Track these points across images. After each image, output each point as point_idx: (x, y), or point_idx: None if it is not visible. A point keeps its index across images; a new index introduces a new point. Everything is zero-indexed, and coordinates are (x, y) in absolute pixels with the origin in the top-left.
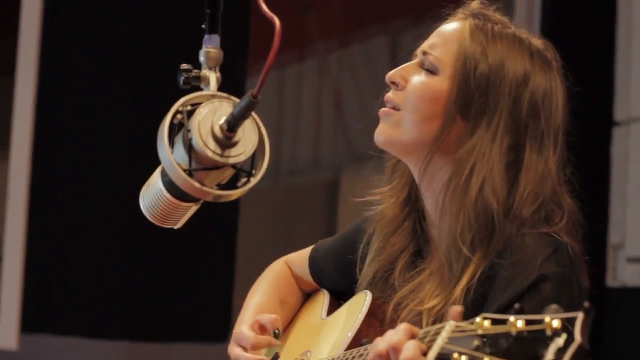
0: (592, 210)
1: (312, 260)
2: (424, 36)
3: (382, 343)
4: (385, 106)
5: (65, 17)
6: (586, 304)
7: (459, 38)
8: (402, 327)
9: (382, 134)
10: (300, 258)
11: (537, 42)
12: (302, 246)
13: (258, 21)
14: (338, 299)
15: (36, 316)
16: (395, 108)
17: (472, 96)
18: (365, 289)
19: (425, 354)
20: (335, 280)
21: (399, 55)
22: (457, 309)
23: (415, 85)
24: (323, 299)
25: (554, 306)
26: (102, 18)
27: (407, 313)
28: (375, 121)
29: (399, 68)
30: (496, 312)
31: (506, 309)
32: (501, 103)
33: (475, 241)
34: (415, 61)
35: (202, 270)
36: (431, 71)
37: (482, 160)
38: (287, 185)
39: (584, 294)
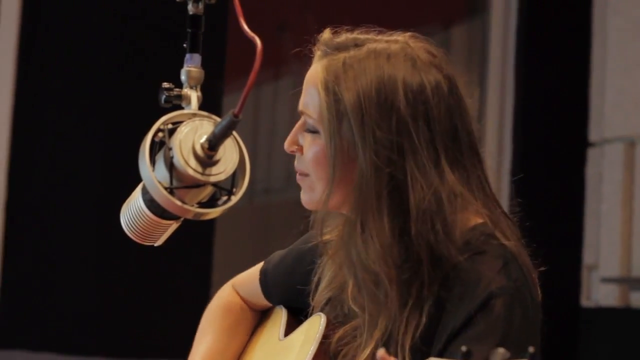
0: (567, 230)
1: (263, 281)
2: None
3: None
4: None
5: (45, 30)
6: (531, 349)
7: (316, 87)
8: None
9: (305, 201)
10: (248, 278)
11: (398, 42)
12: None
13: (235, 39)
14: (295, 316)
15: (11, 332)
16: (304, 174)
17: (343, 142)
18: (321, 310)
19: None
20: (288, 298)
21: None
22: (380, 352)
23: (306, 152)
24: (281, 317)
25: (501, 351)
26: (82, 32)
27: (345, 354)
28: None
29: (290, 135)
30: (449, 335)
31: (460, 331)
32: (368, 136)
33: (402, 286)
34: (299, 122)
35: (177, 287)
36: (313, 130)
37: (361, 198)
38: (262, 204)
39: (537, 308)
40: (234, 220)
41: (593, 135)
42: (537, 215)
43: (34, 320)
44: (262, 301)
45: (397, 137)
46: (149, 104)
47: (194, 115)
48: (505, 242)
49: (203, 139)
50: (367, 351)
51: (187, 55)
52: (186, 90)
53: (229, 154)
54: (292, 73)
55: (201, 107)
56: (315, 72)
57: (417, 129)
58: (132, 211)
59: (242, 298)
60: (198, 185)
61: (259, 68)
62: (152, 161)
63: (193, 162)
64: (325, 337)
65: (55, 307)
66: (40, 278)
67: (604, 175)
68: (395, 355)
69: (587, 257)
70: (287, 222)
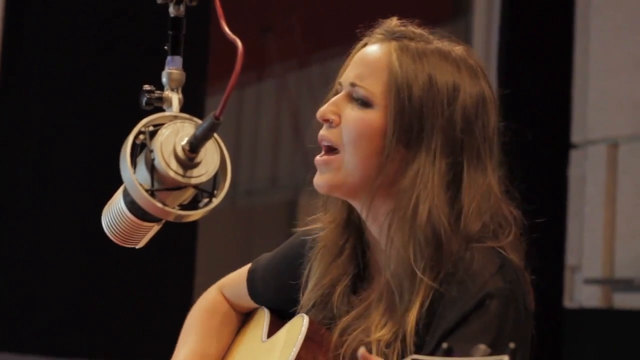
0: (549, 232)
1: (250, 281)
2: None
3: None
4: (318, 144)
5: (29, 31)
6: (512, 345)
7: (386, 65)
8: None
9: (323, 182)
10: (235, 280)
11: (460, 49)
12: None
13: (217, 41)
14: (278, 317)
15: None
16: (332, 149)
17: (409, 125)
18: (307, 312)
19: None
20: (274, 299)
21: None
22: (361, 350)
23: (352, 123)
24: (263, 318)
25: (482, 347)
26: (65, 34)
27: (352, 340)
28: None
29: (329, 103)
30: (443, 333)
31: (454, 329)
32: (435, 124)
33: (427, 267)
34: (343, 93)
35: (161, 290)
36: (364, 104)
37: (425, 186)
38: (245, 206)
39: (530, 309)
40: (217, 222)
41: (576, 136)
42: (520, 216)
43: (18, 322)
44: (248, 303)
45: (460, 134)
46: (130, 107)
47: (175, 117)
48: (504, 248)
49: (184, 141)
50: (382, 332)
51: (169, 58)
52: (167, 93)
53: (210, 156)
54: (275, 75)
55: (184, 109)
56: (384, 52)
57: (477, 130)
58: (114, 213)
59: (227, 300)
60: (179, 187)
61: (240, 70)
62: (134, 163)
63: (174, 164)
64: (309, 337)
65: (40, 309)
66: (24, 280)
67: (587, 177)
68: (402, 348)
69: (570, 258)
70: (270, 224)
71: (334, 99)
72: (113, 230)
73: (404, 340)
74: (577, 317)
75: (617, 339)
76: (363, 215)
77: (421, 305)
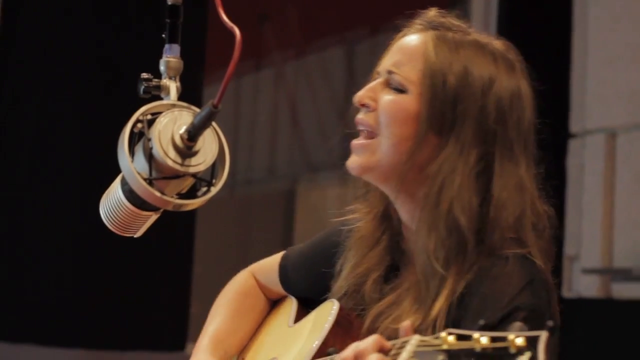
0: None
1: (282, 268)
2: (381, 49)
3: (349, 350)
4: (355, 129)
5: (24, 23)
6: (550, 323)
7: (423, 53)
8: (372, 338)
9: (357, 163)
10: (268, 266)
11: (498, 44)
12: (259, 255)
13: (215, 30)
14: (305, 307)
15: None
16: (371, 133)
17: (443, 112)
18: (339, 299)
19: None
20: (305, 289)
21: (355, 65)
22: (406, 324)
23: (387, 106)
24: (291, 306)
25: (518, 324)
26: (61, 24)
27: (385, 327)
28: (330, 129)
29: (366, 89)
30: None
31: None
32: (468, 114)
33: (450, 257)
34: (380, 80)
35: (159, 279)
36: (400, 90)
37: (450, 174)
38: (243, 195)
39: (556, 323)
40: (215, 211)
41: (574, 126)
42: None
43: (13, 312)
44: (278, 289)
45: (494, 124)
46: (128, 95)
47: (173, 105)
48: (536, 261)
49: (182, 130)
50: (411, 319)
51: (166, 46)
52: (165, 81)
53: (209, 145)
54: (273, 64)
55: (182, 98)
56: (421, 41)
57: (510, 123)
58: (112, 202)
59: (259, 284)
60: (177, 176)
61: (238, 58)
62: (131, 152)
63: (172, 153)
64: (338, 322)
65: (35, 299)
66: (19, 271)
67: (585, 167)
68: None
69: (569, 248)
70: (268, 213)
71: (371, 84)
72: (111, 220)
73: (434, 329)
74: (576, 306)
75: (615, 328)
76: (395, 204)
77: (447, 299)
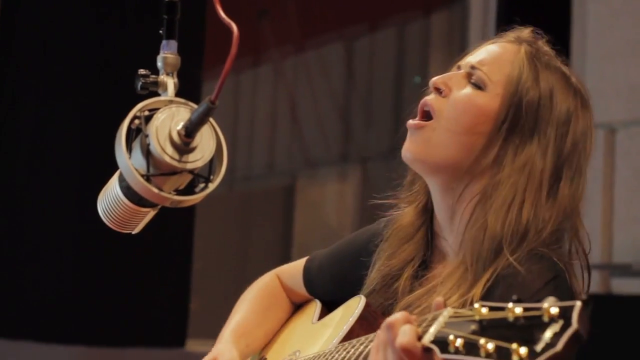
0: None
1: (307, 271)
2: (380, 46)
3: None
4: (417, 111)
5: (23, 16)
6: (584, 296)
7: (512, 61)
8: (401, 313)
9: (410, 151)
10: (293, 268)
11: (576, 80)
12: (259, 251)
13: (214, 26)
14: (329, 309)
15: None
16: (427, 117)
17: (522, 119)
18: (368, 294)
19: (421, 338)
20: (329, 291)
21: (354, 62)
22: (438, 299)
23: (461, 96)
24: (315, 307)
25: (552, 297)
26: (59, 21)
27: (416, 314)
28: (329, 125)
29: (443, 75)
30: None
31: None
32: (549, 131)
33: (507, 251)
34: (461, 72)
35: (158, 275)
36: (478, 86)
37: (531, 179)
38: (242, 191)
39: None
40: (215, 207)
41: None
42: None
43: (13, 309)
44: (303, 291)
45: (566, 153)
46: (125, 91)
47: (171, 102)
48: (563, 260)
49: (180, 126)
50: (449, 302)
51: (164, 42)
52: (162, 77)
53: (206, 141)
54: (272, 60)
55: (180, 94)
56: (511, 49)
57: (577, 155)
58: (109, 199)
59: (284, 287)
60: (175, 172)
61: (235, 54)
62: (129, 148)
63: (170, 149)
64: (363, 317)
65: (35, 296)
66: (19, 268)
67: None
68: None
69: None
70: (268, 209)
71: (450, 73)
72: (109, 216)
73: None
74: None
75: (615, 324)
76: (439, 195)
77: (485, 284)
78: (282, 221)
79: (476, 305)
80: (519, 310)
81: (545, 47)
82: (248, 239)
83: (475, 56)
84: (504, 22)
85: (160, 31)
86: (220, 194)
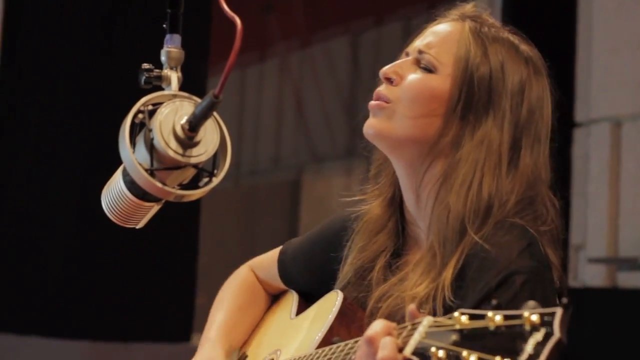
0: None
1: (281, 262)
2: (385, 39)
3: (360, 340)
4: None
5: (26, 17)
6: (564, 300)
7: (458, 39)
8: (380, 323)
9: (372, 126)
10: (266, 261)
11: (527, 48)
12: (264, 246)
13: (219, 21)
14: (306, 300)
15: None
16: (386, 102)
17: (475, 96)
18: (343, 288)
19: (402, 349)
20: (305, 281)
21: (359, 56)
22: (411, 307)
23: (413, 82)
24: (292, 300)
25: (531, 303)
26: (63, 17)
27: (387, 306)
28: (335, 120)
29: (393, 64)
30: (472, 305)
31: (482, 301)
32: (504, 104)
33: (472, 230)
34: (409, 59)
35: (164, 270)
36: (428, 69)
37: (489, 155)
38: (248, 185)
39: (555, 290)
40: (220, 202)
41: (579, 115)
42: None
43: (19, 304)
44: (278, 283)
45: (522, 122)
46: (129, 85)
47: (175, 96)
48: (541, 238)
49: (183, 120)
50: (418, 289)
51: (167, 36)
52: (166, 71)
53: (210, 135)
54: (278, 55)
55: (186, 89)
56: (456, 28)
57: (536, 122)
58: (113, 193)
59: (258, 279)
60: (179, 166)
61: (239, 48)
62: (133, 143)
63: (173, 144)
64: (342, 312)
65: (40, 291)
66: (25, 263)
67: (590, 156)
68: (434, 307)
69: (574, 237)
70: (273, 204)
71: (399, 61)
72: (113, 211)
73: (435, 299)
74: (581, 296)
75: (621, 317)
76: (404, 177)
77: (455, 265)
78: (288, 216)
79: (456, 314)
80: (499, 318)
81: (490, 20)
82: (254, 233)
83: (422, 40)
84: (510, 16)
85: (164, 25)
86: (226, 189)
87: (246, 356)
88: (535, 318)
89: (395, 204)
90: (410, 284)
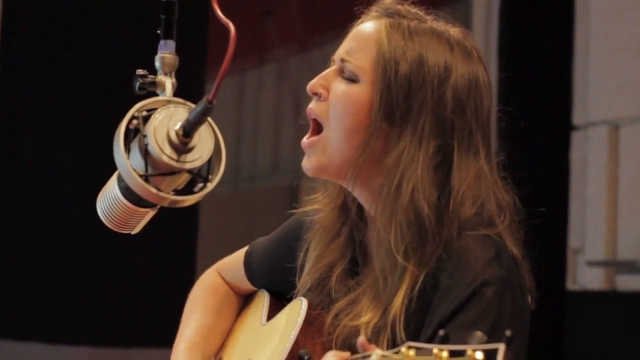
0: (552, 214)
1: (248, 265)
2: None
3: None
4: (307, 119)
5: (23, 21)
6: (508, 333)
7: (376, 40)
8: (330, 354)
9: (310, 164)
10: (233, 263)
11: (455, 31)
12: None
13: (217, 25)
14: (278, 299)
15: None
16: (319, 126)
17: (396, 101)
18: (304, 295)
19: None
20: (272, 283)
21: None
22: (361, 339)
23: (337, 96)
24: (262, 302)
25: (478, 334)
26: (60, 23)
27: (343, 327)
28: None
29: (319, 77)
30: (439, 322)
31: (451, 318)
32: (425, 104)
33: (409, 249)
34: (334, 68)
35: (163, 275)
36: (352, 79)
37: (410, 166)
38: (247, 190)
39: (527, 296)
40: (219, 207)
41: (577, 118)
42: (522, 199)
43: (19, 310)
44: (247, 285)
45: (451, 114)
46: (123, 91)
47: (169, 102)
48: (501, 235)
49: (178, 126)
50: (369, 315)
51: (161, 42)
52: (160, 77)
53: (204, 141)
54: (276, 59)
55: (183, 94)
56: (375, 28)
57: (468, 112)
58: (108, 199)
59: (226, 282)
60: (173, 172)
61: (232, 54)
62: (127, 149)
63: (168, 149)
64: (308, 322)
65: (41, 297)
66: (24, 267)
67: (588, 159)
68: (392, 334)
69: (573, 240)
70: (272, 209)
71: (324, 72)
72: (108, 217)
73: (393, 326)
74: (580, 299)
75: (620, 321)
76: (354, 196)
77: (409, 291)
78: (288, 219)
79: (403, 349)
80: (445, 354)
81: (412, 11)
82: (253, 238)
83: (344, 46)
84: (507, 19)
85: (158, 31)
86: (224, 194)
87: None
88: (479, 356)
89: (348, 210)
90: (363, 309)
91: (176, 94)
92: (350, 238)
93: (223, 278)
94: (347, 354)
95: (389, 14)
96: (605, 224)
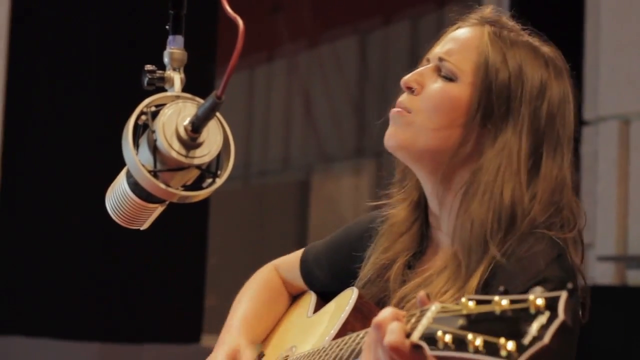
0: None
1: (304, 263)
2: (393, 39)
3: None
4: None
5: (32, 19)
6: (570, 285)
7: (477, 45)
8: (388, 310)
9: (393, 137)
10: (290, 261)
11: (548, 49)
12: (274, 246)
13: (227, 21)
14: (325, 300)
15: (7, 318)
16: (408, 112)
17: (494, 104)
18: (362, 286)
19: (410, 335)
20: (326, 282)
21: (367, 55)
22: (421, 294)
23: (433, 91)
24: (310, 300)
25: (538, 288)
26: (68, 19)
27: (410, 307)
28: (343, 120)
29: (414, 73)
30: None
31: None
32: (523, 111)
33: (499, 240)
34: (430, 66)
35: (173, 271)
36: (449, 78)
37: (510, 162)
38: (257, 186)
39: (579, 305)
40: (229, 202)
41: (588, 113)
42: None
43: (30, 306)
44: (300, 284)
45: (544, 126)
46: (132, 87)
47: (177, 97)
48: (566, 242)
49: (186, 121)
50: (443, 297)
51: (170, 37)
52: (169, 73)
53: (213, 136)
54: (286, 55)
55: (193, 89)
56: (475, 34)
57: (557, 127)
58: (117, 195)
59: (282, 279)
60: (182, 168)
61: (241, 49)
62: (136, 144)
63: (176, 145)
64: (357, 309)
65: (51, 293)
66: (35, 264)
67: (599, 154)
68: None
69: (583, 235)
70: (283, 204)
71: (420, 69)
72: (117, 212)
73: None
74: (591, 294)
75: (630, 315)
76: (428, 187)
77: (482, 275)
78: (297, 216)
79: (463, 300)
80: (505, 302)
81: (510, 23)
82: (263, 234)
83: (442, 46)
84: (517, 14)
85: (167, 26)
86: (235, 189)
87: (263, 355)
88: (540, 302)
89: (421, 207)
90: (435, 290)
91: (185, 89)
92: (418, 234)
93: (279, 274)
94: (402, 311)
95: (491, 22)
96: (615, 219)
